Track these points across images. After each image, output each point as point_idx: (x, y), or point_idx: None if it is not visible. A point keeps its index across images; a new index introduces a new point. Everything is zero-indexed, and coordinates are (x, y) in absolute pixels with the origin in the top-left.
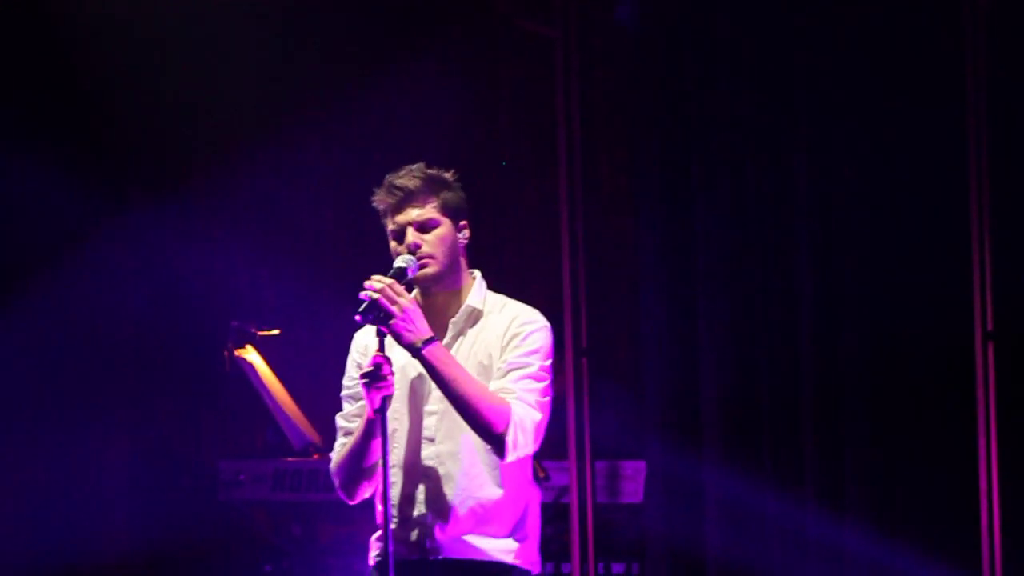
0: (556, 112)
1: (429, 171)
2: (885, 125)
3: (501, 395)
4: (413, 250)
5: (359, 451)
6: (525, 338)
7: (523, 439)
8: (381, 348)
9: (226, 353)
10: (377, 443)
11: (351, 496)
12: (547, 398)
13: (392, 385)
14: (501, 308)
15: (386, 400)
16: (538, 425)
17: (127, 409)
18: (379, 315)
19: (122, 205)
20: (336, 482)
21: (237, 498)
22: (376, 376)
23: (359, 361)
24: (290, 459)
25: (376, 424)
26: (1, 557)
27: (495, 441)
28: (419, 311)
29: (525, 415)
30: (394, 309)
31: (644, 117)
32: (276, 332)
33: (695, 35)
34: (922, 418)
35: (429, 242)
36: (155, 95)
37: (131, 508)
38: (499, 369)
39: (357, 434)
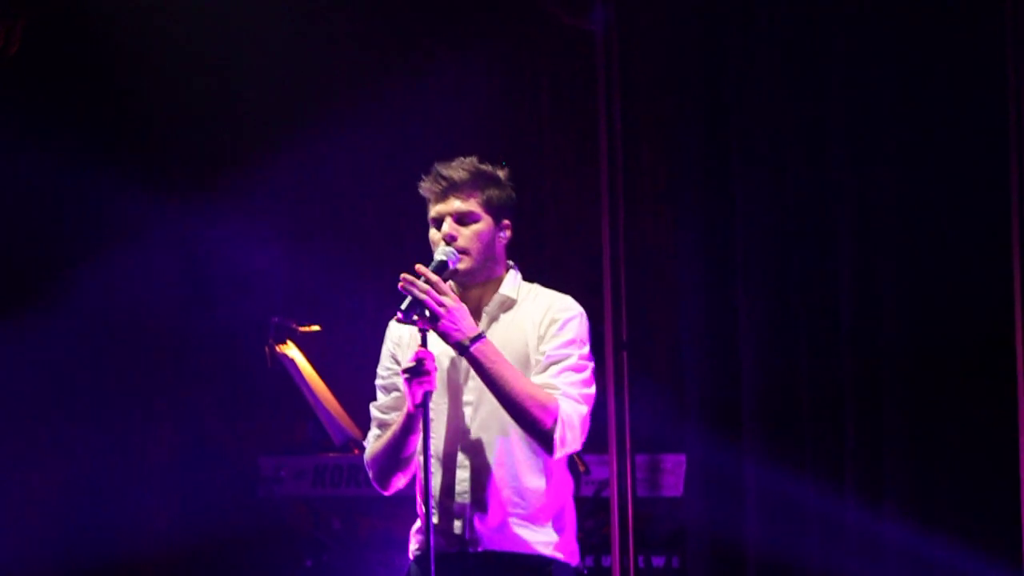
0: (597, 104)
1: (480, 166)
2: (926, 115)
3: (547, 391)
4: (448, 241)
5: (397, 444)
6: (562, 328)
7: (571, 436)
8: (424, 343)
9: (267, 349)
10: (415, 436)
11: (385, 487)
12: (591, 389)
13: (434, 380)
14: (535, 297)
15: (427, 395)
16: (584, 419)
17: (168, 405)
18: (422, 313)
19: (163, 200)
20: (371, 473)
21: (278, 494)
22: (419, 371)
23: (393, 352)
24: (331, 454)
25: (416, 418)
26: (42, 552)
27: (543, 438)
28: (465, 309)
29: (572, 411)
30: (440, 310)
31: (684, 109)
32: (317, 328)
33: (735, 26)
34: (962, 410)
35: (465, 236)
36: (193, 90)
37: (172, 504)
38: (538, 362)
39: (395, 427)
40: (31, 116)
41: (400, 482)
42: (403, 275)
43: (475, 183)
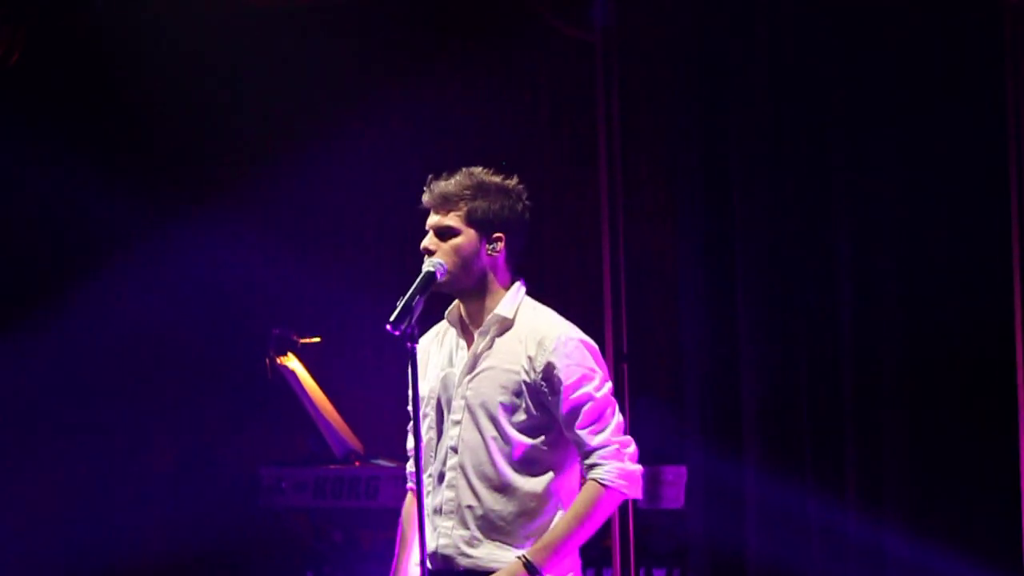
0: (596, 115)
1: (475, 176)
2: (926, 124)
3: (586, 470)
4: (428, 254)
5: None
6: (563, 371)
7: (629, 481)
8: (413, 356)
9: (268, 361)
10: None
11: None
12: (616, 416)
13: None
14: (528, 320)
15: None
16: (625, 450)
17: (169, 416)
18: (411, 323)
19: (165, 213)
20: None
21: (279, 505)
22: None
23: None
24: (331, 466)
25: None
26: (42, 560)
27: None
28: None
29: (614, 468)
30: None
31: (683, 120)
32: (317, 340)
33: (734, 36)
34: (962, 420)
35: (443, 250)
36: (194, 102)
37: (173, 514)
38: (561, 414)
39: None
40: (31, 126)
41: None
42: None
43: (460, 196)
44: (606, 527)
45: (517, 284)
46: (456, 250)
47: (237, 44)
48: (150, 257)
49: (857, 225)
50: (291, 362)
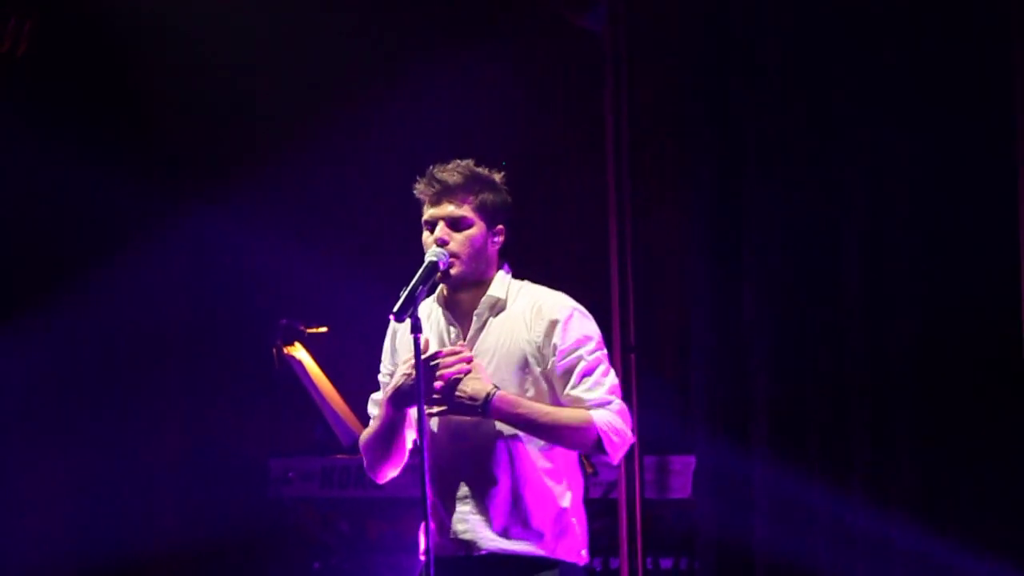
0: (604, 105)
1: (476, 169)
2: (935, 118)
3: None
4: (441, 244)
5: (382, 437)
6: (563, 332)
7: (617, 437)
8: (416, 344)
9: (275, 350)
10: (401, 436)
11: (375, 476)
12: (612, 379)
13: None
14: (524, 295)
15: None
16: (621, 411)
17: (177, 407)
18: (415, 312)
19: (173, 203)
20: (364, 461)
21: (286, 495)
22: (401, 395)
23: (396, 347)
24: (339, 456)
25: (399, 420)
26: (51, 551)
27: (595, 453)
28: (474, 368)
29: (607, 416)
30: (451, 400)
31: (692, 110)
32: (324, 329)
33: (744, 27)
34: (971, 412)
35: (457, 240)
36: (203, 91)
37: (181, 505)
38: (556, 377)
39: (380, 421)
40: (40, 116)
41: (390, 473)
42: (405, 372)
43: (469, 187)
44: (614, 516)
45: (503, 269)
46: (470, 241)
47: (246, 32)
48: (158, 247)
49: (867, 215)
50: (298, 352)
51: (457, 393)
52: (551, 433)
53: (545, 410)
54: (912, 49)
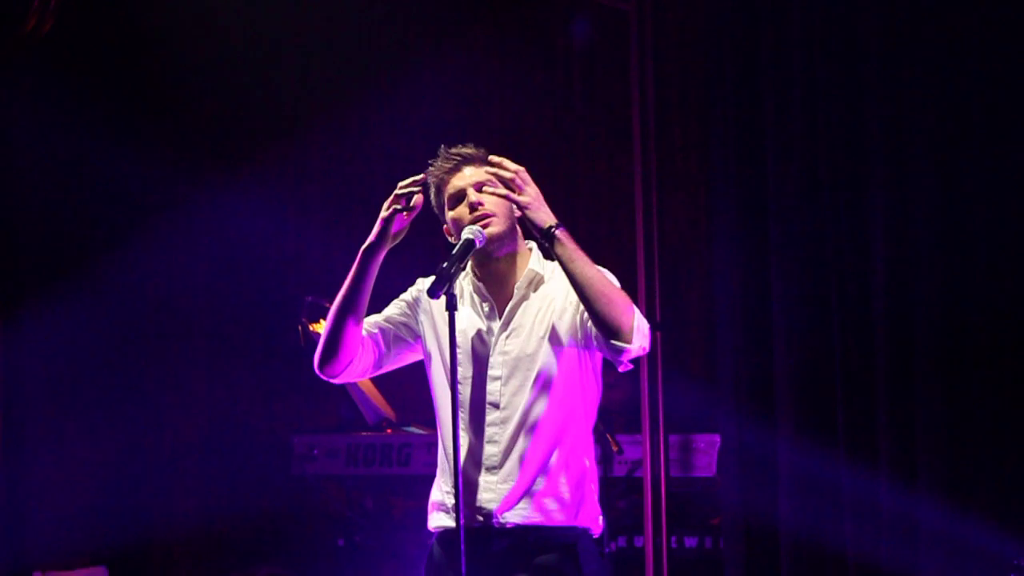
0: (630, 87)
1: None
2: (958, 105)
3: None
4: (476, 207)
5: (351, 289)
6: None
7: (641, 336)
8: (451, 321)
9: (300, 328)
10: (367, 283)
11: (327, 363)
12: (637, 311)
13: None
14: (558, 272)
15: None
16: (648, 330)
17: (202, 383)
18: (450, 288)
19: (197, 181)
20: (320, 346)
21: (311, 472)
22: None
23: (412, 300)
24: (363, 434)
25: (372, 263)
26: (76, 528)
27: (621, 332)
28: (540, 196)
29: (640, 314)
30: (523, 199)
31: (718, 93)
32: None
33: (770, 10)
34: (996, 390)
35: (490, 200)
36: (228, 71)
37: (205, 482)
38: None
39: (353, 267)
40: (65, 95)
41: (345, 360)
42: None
43: (483, 158)
44: (638, 495)
45: (534, 245)
46: (502, 202)
47: (268, 14)
48: (182, 224)
49: (892, 193)
50: (324, 329)
51: (536, 201)
52: (598, 287)
53: (598, 270)
54: (942, 37)
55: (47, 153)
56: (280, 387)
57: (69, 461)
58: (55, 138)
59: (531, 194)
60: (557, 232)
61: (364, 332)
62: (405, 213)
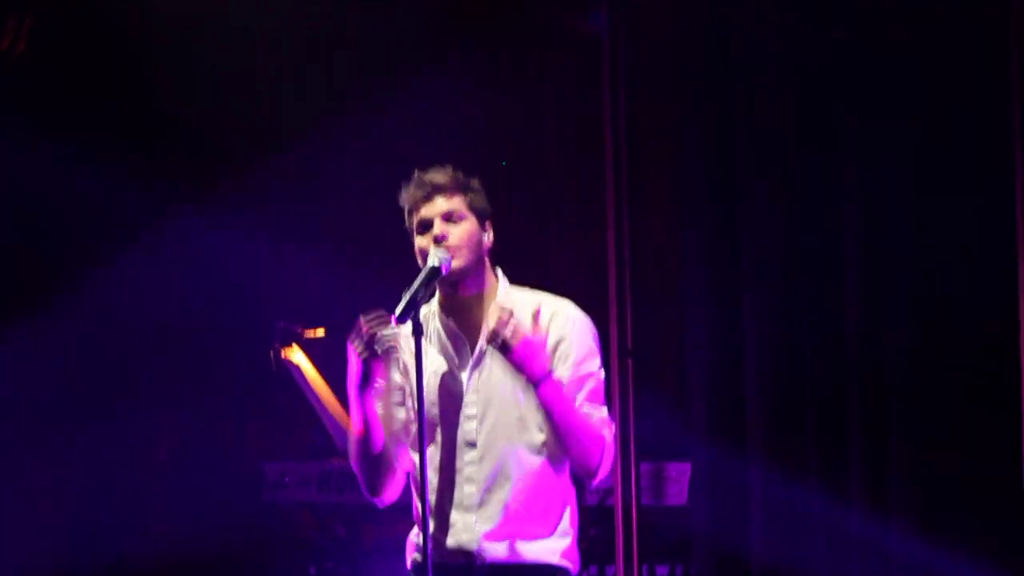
0: (602, 110)
1: (455, 173)
2: (932, 122)
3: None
4: (440, 240)
5: (361, 441)
6: (572, 344)
7: (606, 464)
8: (418, 348)
9: (272, 353)
10: (378, 430)
11: (374, 493)
12: (606, 404)
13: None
14: (531, 303)
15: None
16: (613, 437)
17: (172, 409)
18: (416, 316)
19: (170, 203)
20: (360, 481)
21: (282, 499)
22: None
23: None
24: (335, 460)
25: (368, 409)
26: (43, 554)
27: (588, 470)
28: (542, 344)
29: (609, 438)
30: (516, 343)
31: (690, 115)
32: (322, 332)
33: (742, 33)
34: (967, 418)
35: (456, 234)
36: (201, 93)
37: (176, 508)
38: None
39: (354, 424)
40: (38, 116)
41: (390, 488)
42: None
43: (457, 185)
44: (610, 523)
45: (500, 272)
46: (469, 235)
47: (244, 34)
48: (154, 248)
49: (864, 218)
50: (296, 354)
51: (527, 352)
52: (576, 435)
53: (577, 410)
54: (908, 53)
55: (21, 174)
56: (251, 413)
57: (38, 483)
58: (29, 159)
59: (519, 343)
60: (543, 385)
61: (391, 443)
62: (381, 353)
